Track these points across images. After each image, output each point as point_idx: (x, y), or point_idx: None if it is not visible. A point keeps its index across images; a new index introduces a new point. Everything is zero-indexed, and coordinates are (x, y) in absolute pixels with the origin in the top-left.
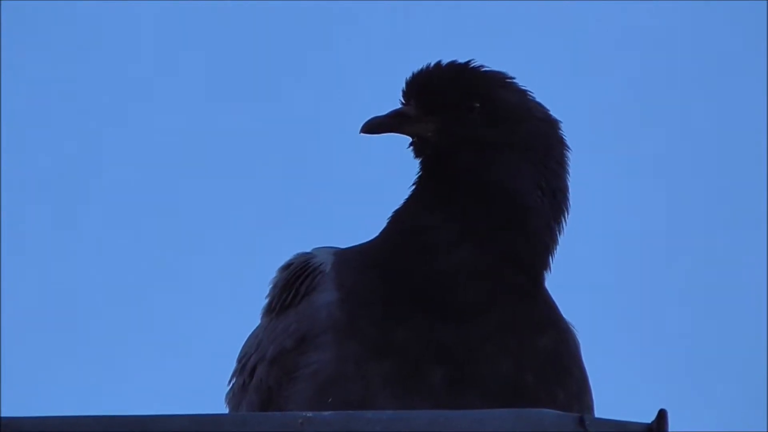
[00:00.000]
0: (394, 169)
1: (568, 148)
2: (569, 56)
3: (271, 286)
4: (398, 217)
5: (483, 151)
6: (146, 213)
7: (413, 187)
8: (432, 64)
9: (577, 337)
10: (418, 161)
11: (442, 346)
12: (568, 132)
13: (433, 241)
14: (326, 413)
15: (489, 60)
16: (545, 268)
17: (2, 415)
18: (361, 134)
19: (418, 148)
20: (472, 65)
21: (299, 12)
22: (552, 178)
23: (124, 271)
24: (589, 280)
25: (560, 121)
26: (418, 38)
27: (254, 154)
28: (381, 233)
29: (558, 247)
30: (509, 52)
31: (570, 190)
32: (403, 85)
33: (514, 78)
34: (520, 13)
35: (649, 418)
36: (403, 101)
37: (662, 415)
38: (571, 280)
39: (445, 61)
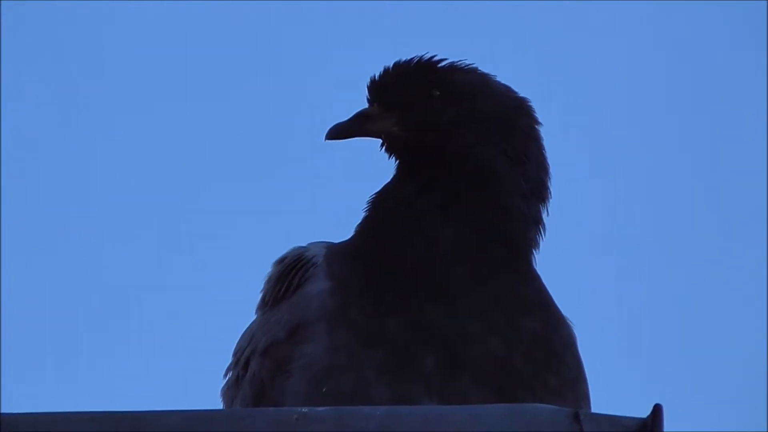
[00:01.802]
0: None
1: (538, 121)
2: (568, 56)
3: (265, 280)
4: (376, 208)
5: (445, 129)
6: (142, 210)
7: (389, 181)
8: (391, 65)
9: (573, 329)
10: (393, 159)
11: (433, 332)
12: (568, 129)
13: (416, 226)
14: (321, 409)
15: (484, 62)
16: (530, 244)
17: (1, 411)
18: (327, 141)
19: (388, 145)
20: (428, 58)
21: (286, 9)
22: (518, 146)
23: (120, 269)
24: (586, 276)
25: (527, 99)
26: (410, 35)
27: (249, 151)
28: (360, 226)
29: (545, 227)
30: (505, 54)
31: (549, 166)
32: (366, 90)
33: (474, 64)
34: (516, 12)
35: (644, 414)
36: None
37: (657, 410)
38: (569, 276)
39: (404, 59)
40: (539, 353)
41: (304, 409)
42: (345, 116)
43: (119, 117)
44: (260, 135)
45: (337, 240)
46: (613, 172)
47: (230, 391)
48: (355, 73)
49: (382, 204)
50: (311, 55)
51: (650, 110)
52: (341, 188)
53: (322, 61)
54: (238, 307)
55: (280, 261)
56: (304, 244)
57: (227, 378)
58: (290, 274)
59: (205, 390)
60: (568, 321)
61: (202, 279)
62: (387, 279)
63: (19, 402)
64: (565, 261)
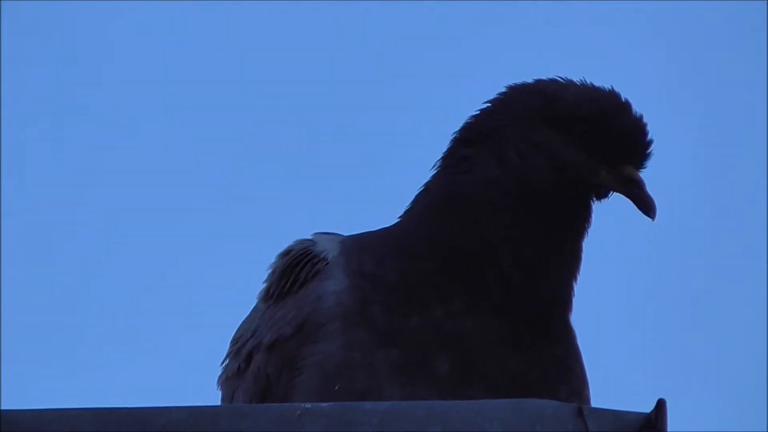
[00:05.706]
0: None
1: None
2: (563, 54)
3: (269, 271)
4: (469, 214)
5: None
6: (143, 200)
7: (508, 193)
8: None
9: (574, 330)
10: (545, 188)
11: (455, 339)
12: None
13: (506, 252)
14: (324, 404)
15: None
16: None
17: (2, 408)
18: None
19: (576, 186)
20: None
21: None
22: None
23: (120, 261)
24: (586, 272)
25: None
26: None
27: (249, 142)
28: (430, 220)
29: None
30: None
31: None
32: (645, 149)
33: None
34: (517, 13)
35: (647, 410)
36: (638, 165)
37: (661, 405)
38: None
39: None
40: (556, 373)
41: (307, 405)
42: (348, 108)
43: (120, 116)
44: (258, 128)
45: (338, 232)
46: None
47: (231, 382)
48: (361, 68)
49: (472, 215)
50: (307, 49)
51: (648, 110)
52: (340, 182)
53: (318, 54)
54: (238, 301)
55: (285, 253)
56: (309, 236)
57: (225, 366)
58: (296, 268)
59: (206, 383)
60: (572, 327)
61: (202, 273)
62: (429, 279)
63: (19, 399)
64: None
